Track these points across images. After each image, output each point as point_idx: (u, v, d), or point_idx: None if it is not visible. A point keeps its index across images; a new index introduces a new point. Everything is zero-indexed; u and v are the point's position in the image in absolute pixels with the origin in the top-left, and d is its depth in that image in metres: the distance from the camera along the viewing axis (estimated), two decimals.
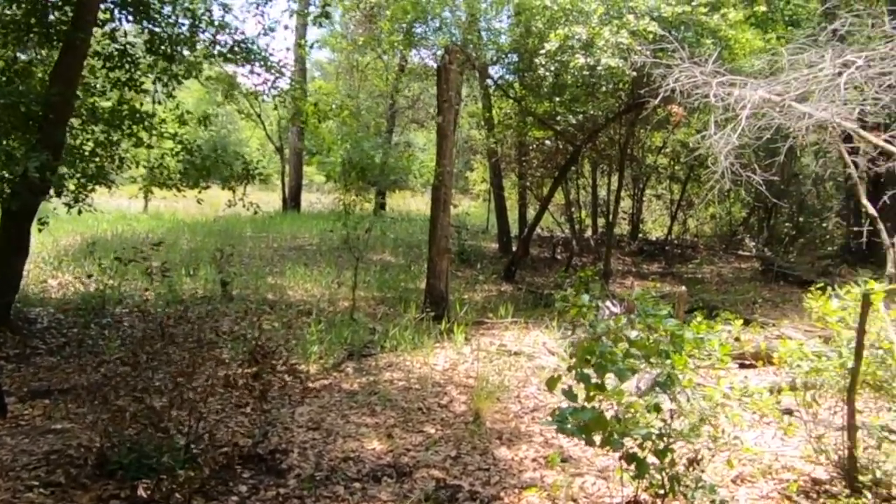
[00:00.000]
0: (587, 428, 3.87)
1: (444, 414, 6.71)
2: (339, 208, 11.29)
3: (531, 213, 19.12)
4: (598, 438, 3.98)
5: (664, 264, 18.48)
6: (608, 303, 9.08)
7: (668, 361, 4.23)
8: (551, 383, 4.22)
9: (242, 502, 4.83)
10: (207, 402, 5.64)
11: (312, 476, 5.23)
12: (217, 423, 6.01)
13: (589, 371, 4.10)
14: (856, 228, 14.67)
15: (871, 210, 9.45)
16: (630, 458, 4.04)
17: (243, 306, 10.20)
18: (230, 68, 15.18)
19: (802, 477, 5.43)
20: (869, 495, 4.95)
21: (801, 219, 19.93)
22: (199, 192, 10.16)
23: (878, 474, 5.04)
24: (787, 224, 20.52)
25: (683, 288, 8.42)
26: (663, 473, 4.25)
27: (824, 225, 20.12)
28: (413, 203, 30.66)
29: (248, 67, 10.61)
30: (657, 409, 4.10)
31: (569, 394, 4.10)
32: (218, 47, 10.31)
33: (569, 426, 3.87)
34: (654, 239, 21.76)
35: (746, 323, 10.76)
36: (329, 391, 7.17)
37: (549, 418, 4.02)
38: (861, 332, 4.93)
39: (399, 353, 8.60)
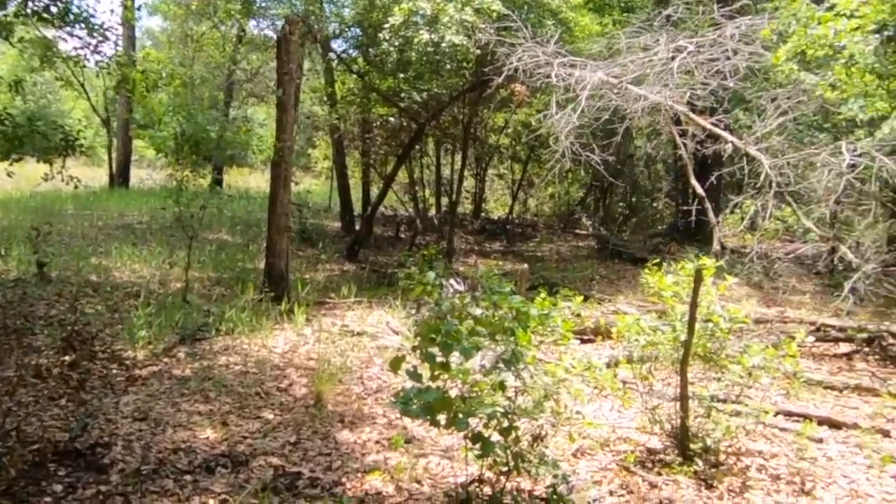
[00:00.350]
0: (432, 409, 3.73)
1: (284, 398, 6.41)
2: (171, 185, 10.67)
3: (375, 191, 18.93)
4: (442, 419, 3.85)
5: (506, 243, 18.81)
6: (452, 280, 9.04)
7: (513, 338, 4.15)
8: (395, 364, 4.05)
9: (57, 503, 4.37)
10: (15, 395, 5.08)
11: (138, 470, 4.81)
12: (27, 418, 5.44)
13: (434, 350, 3.95)
14: (684, 208, 15.50)
15: (699, 190, 9.91)
16: (475, 437, 3.94)
17: (62, 289, 9.39)
18: (50, 32, 13.97)
19: (639, 447, 5.56)
20: (700, 462, 5.13)
21: (633, 199, 20.81)
22: (11, 164, 9.23)
23: (708, 442, 5.23)
24: (621, 203, 21.39)
25: (525, 266, 8.48)
26: (508, 451, 4.19)
27: (655, 204, 21.15)
28: (252, 180, 29.60)
29: (67, 29, 9.72)
30: (501, 386, 4.01)
31: (413, 374, 3.94)
32: (31, 6, 9.36)
33: (413, 408, 3.71)
34: (496, 218, 22.11)
35: (585, 299, 11.09)
36: (158, 378, 6.69)
37: (393, 399, 3.84)
38: (693, 305, 5.08)
39: (236, 335, 8.19)
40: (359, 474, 4.97)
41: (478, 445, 4.02)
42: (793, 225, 9.44)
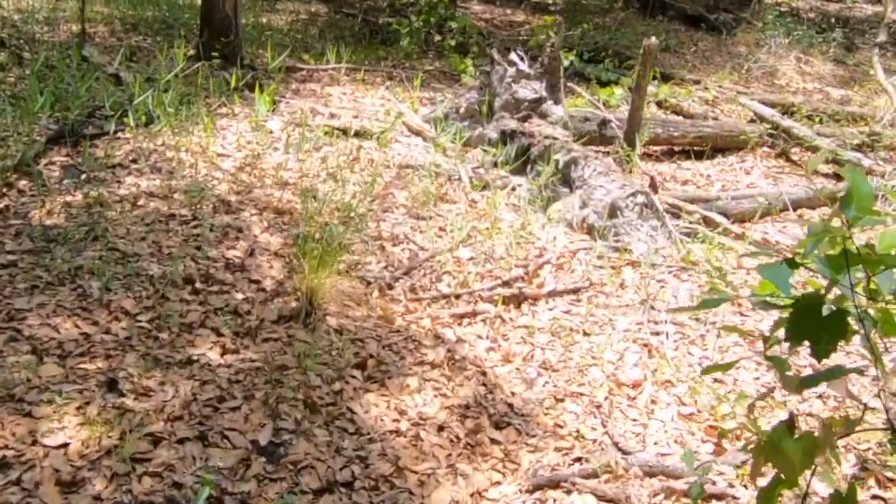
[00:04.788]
0: None
1: (241, 292, 3.31)
2: None
3: None
4: None
5: None
6: (513, 55, 5.68)
7: None
8: None
9: None
10: None
11: None
12: None
13: None
14: None
15: None
16: None
17: None
18: None
19: None
20: None
21: None
22: None
23: None
24: None
25: (653, 39, 5.19)
26: None
27: None
28: None
29: None
30: None
31: None
32: None
33: None
34: None
35: (665, 79, 7.85)
36: None
37: None
38: None
39: (155, 131, 4.84)
40: None
41: None
42: None
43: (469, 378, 3.03)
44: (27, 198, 3.87)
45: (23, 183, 4.01)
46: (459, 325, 3.45)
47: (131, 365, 2.68)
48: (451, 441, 2.66)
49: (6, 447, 2.21)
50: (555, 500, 2.43)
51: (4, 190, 3.88)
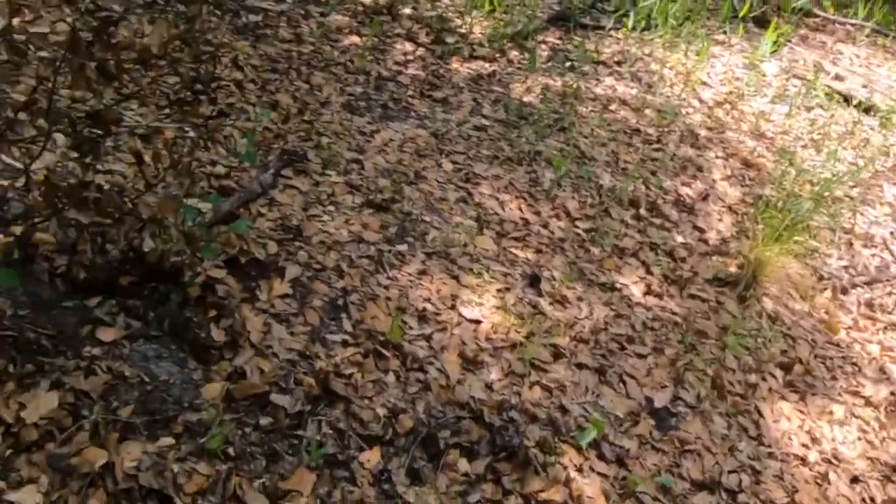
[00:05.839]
0: None
1: (680, 237, 3.05)
2: None
3: None
4: None
5: None
6: None
7: None
8: None
9: None
10: None
11: None
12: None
13: None
14: None
15: None
16: None
17: None
18: None
19: None
20: None
21: None
22: None
23: None
24: None
25: None
26: None
27: None
28: None
29: None
30: None
31: None
32: None
33: None
34: None
35: None
36: (483, 86, 3.61)
37: None
38: None
39: (648, 38, 4.67)
40: None
41: None
42: None
43: None
44: (513, 69, 3.96)
45: (514, 54, 4.11)
46: None
47: (557, 268, 2.61)
48: (863, 501, 2.23)
49: (429, 301, 2.28)
50: None
51: (497, 56, 4.00)
